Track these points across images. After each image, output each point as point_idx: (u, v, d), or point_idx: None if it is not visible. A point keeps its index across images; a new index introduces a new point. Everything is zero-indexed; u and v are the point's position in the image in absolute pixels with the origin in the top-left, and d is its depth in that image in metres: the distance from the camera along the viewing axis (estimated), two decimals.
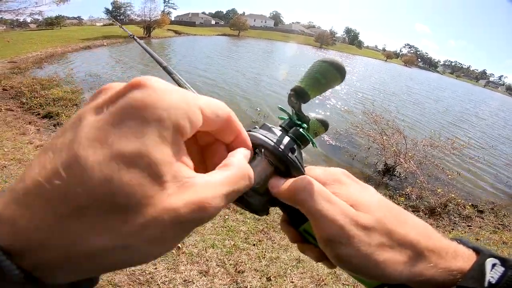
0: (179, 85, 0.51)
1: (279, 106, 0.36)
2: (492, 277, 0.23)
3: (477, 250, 0.26)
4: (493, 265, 0.23)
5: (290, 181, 0.28)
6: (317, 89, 0.32)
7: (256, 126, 0.35)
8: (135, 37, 0.99)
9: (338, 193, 0.27)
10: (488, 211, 4.58)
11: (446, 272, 0.24)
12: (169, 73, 0.57)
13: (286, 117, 0.36)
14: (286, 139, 0.32)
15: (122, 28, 1.29)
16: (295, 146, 0.32)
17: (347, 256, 0.24)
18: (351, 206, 0.26)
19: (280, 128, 0.34)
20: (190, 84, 0.51)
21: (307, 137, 0.33)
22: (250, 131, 0.33)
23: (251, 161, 0.32)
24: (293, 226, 0.32)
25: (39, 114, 5.17)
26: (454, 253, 0.25)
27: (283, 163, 0.30)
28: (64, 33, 21.61)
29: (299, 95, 0.32)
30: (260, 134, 0.32)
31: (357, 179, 0.31)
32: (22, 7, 14.36)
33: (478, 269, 0.24)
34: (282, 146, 0.31)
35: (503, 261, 0.24)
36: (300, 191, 0.26)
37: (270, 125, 0.34)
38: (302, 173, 0.30)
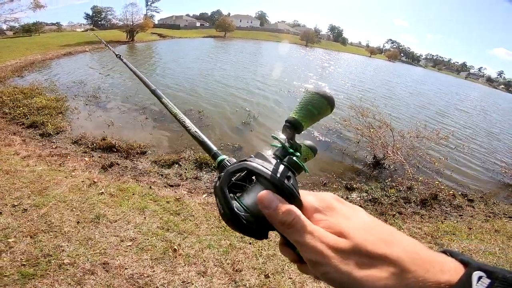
0: (167, 108, 0.52)
1: (272, 135, 0.39)
2: None
3: (465, 263, 0.27)
4: (479, 278, 0.24)
5: (280, 209, 0.31)
6: (310, 120, 0.36)
7: (252, 156, 0.37)
8: (121, 57, 0.95)
9: (328, 220, 0.31)
10: (478, 200, 4.67)
11: (434, 285, 0.25)
12: (158, 97, 0.56)
13: (278, 144, 0.38)
14: (281, 167, 0.34)
15: (108, 46, 1.24)
16: (290, 174, 0.34)
17: (329, 273, 0.28)
18: (338, 233, 0.29)
19: (274, 156, 0.37)
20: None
21: (301, 165, 0.36)
22: (245, 160, 0.36)
23: (249, 188, 0.35)
24: (291, 248, 0.34)
25: (23, 124, 5.02)
26: (441, 266, 0.26)
27: (280, 191, 0.32)
28: (43, 40, 20.94)
29: (294, 127, 0.36)
30: (256, 163, 0.34)
31: (346, 202, 0.34)
32: None
33: (465, 282, 0.25)
34: (278, 174, 0.33)
35: (490, 273, 0.24)
36: (286, 228, 0.31)
37: (264, 154, 0.37)
38: (298, 198, 0.33)
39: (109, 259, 2.12)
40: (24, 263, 1.99)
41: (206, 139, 0.46)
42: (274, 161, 0.35)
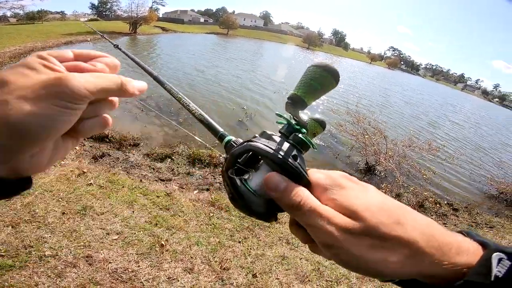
0: (171, 93, 0.51)
1: (277, 112, 0.37)
2: (498, 271, 0.23)
3: (483, 244, 0.27)
4: (500, 260, 0.24)
5: (287, 191, 0.29)
6: (313, 95, 0.34)
7: (256, 135, 0.35)
8: (119, 46, 0.93)
9: (337, 200, 0.29)
10: (462, 209, 4.78)
11: (452, 268, 0.25)
12: (161, 83, 0.54)
13: (284, 121, 0.36)
14: (286, 146, 0.32)
15: (104, 37, 1.20)
16: (296, 152, 0.32)
17: (340, 255, 0.27)
18: (348, 214, 0.28)
19: (280, 135, 0.35)
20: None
21: (308, 142, 0.34)
22: (250, 141, 0.34)
23: (256, 170, 0.33)
24: (303, 228, 0.32)
25: None
26: (458, 248, 0.26)
27: (286, 171, 0.31)
28: (45, 28, 20.67)
29: (297, 103, 0.34)
30: (260, 143, 0.32)
31: (357, 180, 0.32)
32: (3, 0, 13.61)
33: (485, 264, 0.24)
34: (282, 153, 0.31)
35: (510, 255, 0.24)
36: (295, 210, 0.29)
37: (269, 132, 0.35)
38: (305, 178, 0.31)
39: (93, 252, 2.09)
40: (3, 253, 1.93)
41: (212, 121, 0.44)
42: (279, 139, 0.33)
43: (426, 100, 26.70)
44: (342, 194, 0.29)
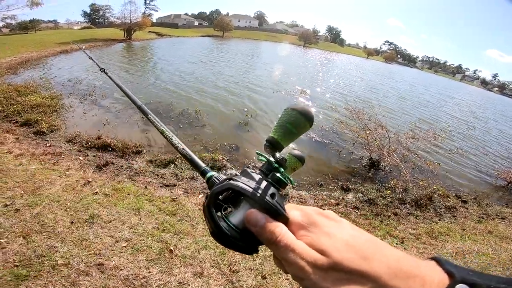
0: (154, 125, 0.53)
1: (257, 151, 0.40)
2: None
3: (450, 274, 0.28)
4: None
5: (266, 228, 0.33)
6: (288, 138, 0.38)
7: (237, 173, 0.38)
8: (105, 70, 0.93)
9: (310, 236, 0.32)
10: (472, 201, 4.70)
11: None
12: (145, 113, 0.56)
13: (264, 159, 0.39)
14: (264, 184, 0.35)
15: (92, 59, 1.20)
16: (274, 191, 0.35)
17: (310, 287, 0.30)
18: (320, 250, 0.30)
19: (259, 172, 0.38)
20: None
21: (285, 180, 0.37)
22: (231, 179, 0.36)
23: (236, 206, 0.36)
24: None
25: (17, 122, 4.95)
26: (423, 280, 0.27)
27: (265, 209, 0.33)
28: (39, 37, 20.70)
29: (274, 146, 0.37)
30: (241, 182, 0.35)
31: (333, 215, 0.35)
32: None
33: None
34: (260, 191, 0.34)
35: (472, 285, 0.25)
36: (271, 245, 0.32)
37: (249, 171, 0.38)
38: (283, 215, 0.34)
39: (104, 260, 2.10)
40: (17, 264, 1.96)
41: (194, 157, 0.46)
42: (258, 177, 0.36)
43: (424, 93, 26.62)
44: (315, 231, 0.32)
